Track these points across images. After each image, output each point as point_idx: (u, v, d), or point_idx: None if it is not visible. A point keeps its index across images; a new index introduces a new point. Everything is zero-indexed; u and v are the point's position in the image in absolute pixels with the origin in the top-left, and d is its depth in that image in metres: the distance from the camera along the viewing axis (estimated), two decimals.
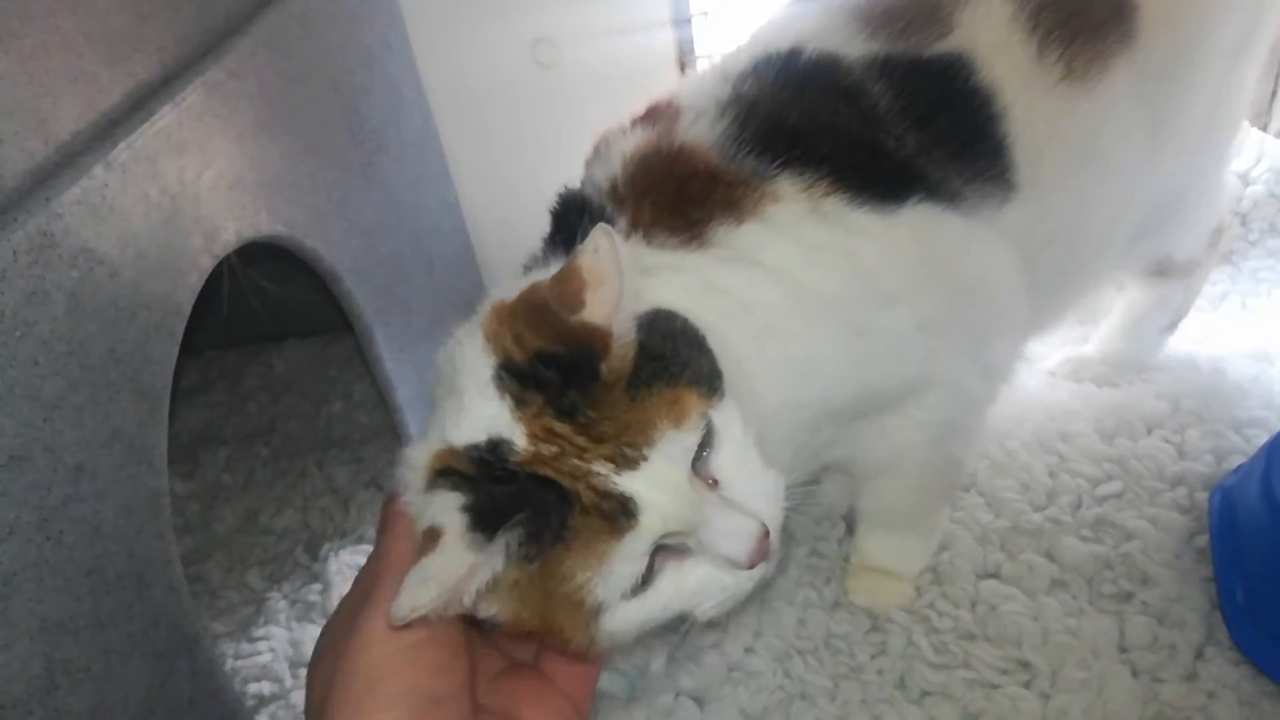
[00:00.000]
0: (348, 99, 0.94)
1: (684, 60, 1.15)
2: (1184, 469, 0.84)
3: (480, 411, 0.44)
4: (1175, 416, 0.89)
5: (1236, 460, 0.83)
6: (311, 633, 0.83)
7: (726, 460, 0.46)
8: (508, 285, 0.53)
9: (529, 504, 0.43)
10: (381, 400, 0.98)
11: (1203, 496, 0.81)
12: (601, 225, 0.45)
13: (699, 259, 0.54)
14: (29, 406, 0.49)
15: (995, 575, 0.79)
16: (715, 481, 0.46)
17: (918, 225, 0.59)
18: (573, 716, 0.48)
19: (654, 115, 0.62)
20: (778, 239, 0.56)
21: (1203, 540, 0.78)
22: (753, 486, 0.47)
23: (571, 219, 0.56)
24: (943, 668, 0.73)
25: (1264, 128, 1.16)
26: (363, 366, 1.07)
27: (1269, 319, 1.00)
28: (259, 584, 0.89)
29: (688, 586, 0.46)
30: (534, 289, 0.47)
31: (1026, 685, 0.71)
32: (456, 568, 0.41)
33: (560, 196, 0.60)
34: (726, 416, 0.47)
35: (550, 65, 1.13)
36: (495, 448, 0.43)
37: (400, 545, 0.44)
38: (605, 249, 0.44)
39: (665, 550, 0.45)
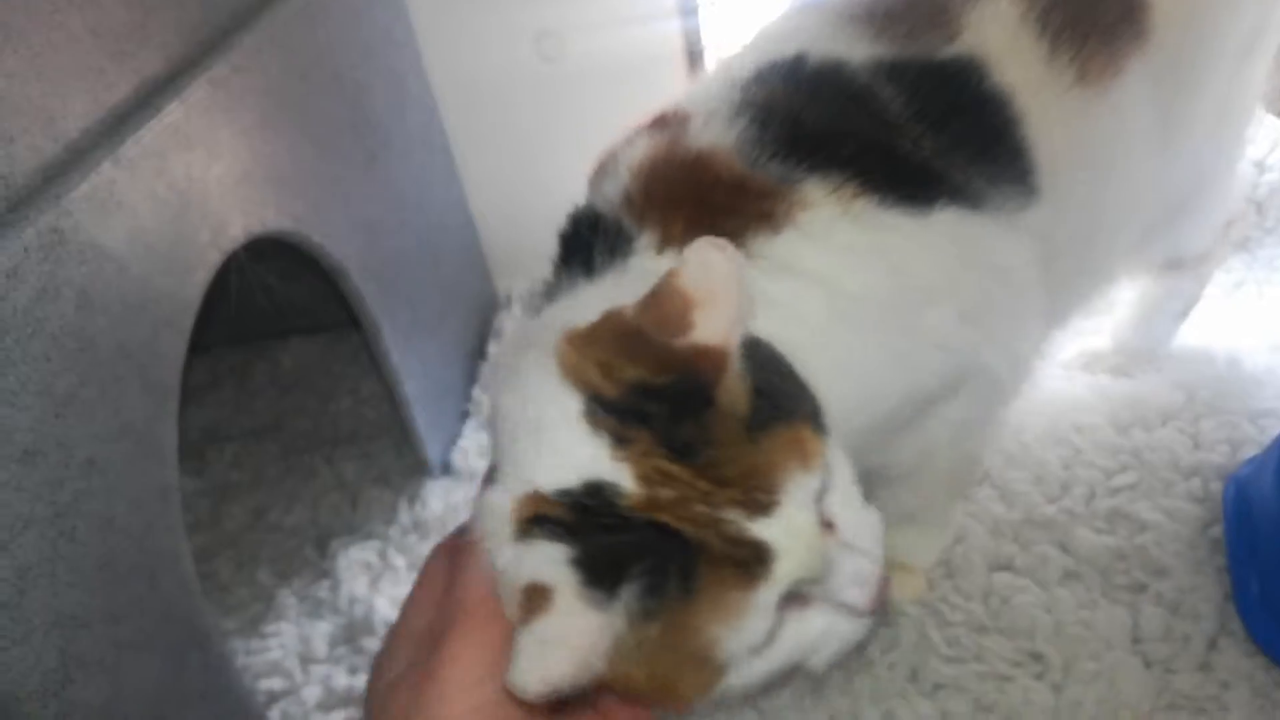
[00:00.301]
0: (352, 93, 0.93)
1: (691, 52, 1.14)
2: (1199, 460, 0.83)
3: (570, 452, 0.40)
4: (1190, 407, 0.88)
5: (1251, 450, 0.82)
6: (321, 629, 0.83)
7: (839, 501, 0.44)
8: (529, 322, 0.51)
9: (648, 554, 0.39)
10: (389, 396, 0.98)
11: (1217, 487, 0.81)
12: (710, 238, 0.42)
13: (751, 265, 0.51)
14: (41, 402, 0.49)
15: (1008, 567, 0.78)
16: (830, 524, 0.43)
17: (948, 225, 0.58)
18: None
19: (659, 124, 0.60)
20: (814, 246, 0.53)
21: (1217, 531, 0.78)
22: (863, 528, 0.44)
23: (585, 238, 0.54)
24: (955, 660, 0.73)
25: (1279, 114, 1.15)
26: (370, 362, 1.07)
27: None
28: (269, 581, 0.89)
29: (809, 637, 0.43)
30: (614, 316, 0.43)
31: (1039, 677, 0.70)
32: (584, 629, 0.37)
33: (570, 217, 0.57)
34: (835, 454, 0.44)
35: (556, 58, 1.13)
36: (596, 492, 0.39)
37: (478, 588, 0.40)
38: (717, 262, 0.41)
39: (785, 600, 0.42)
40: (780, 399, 0.42)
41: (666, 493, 0.39)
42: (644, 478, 0.39)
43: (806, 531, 0.40)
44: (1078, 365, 0.96)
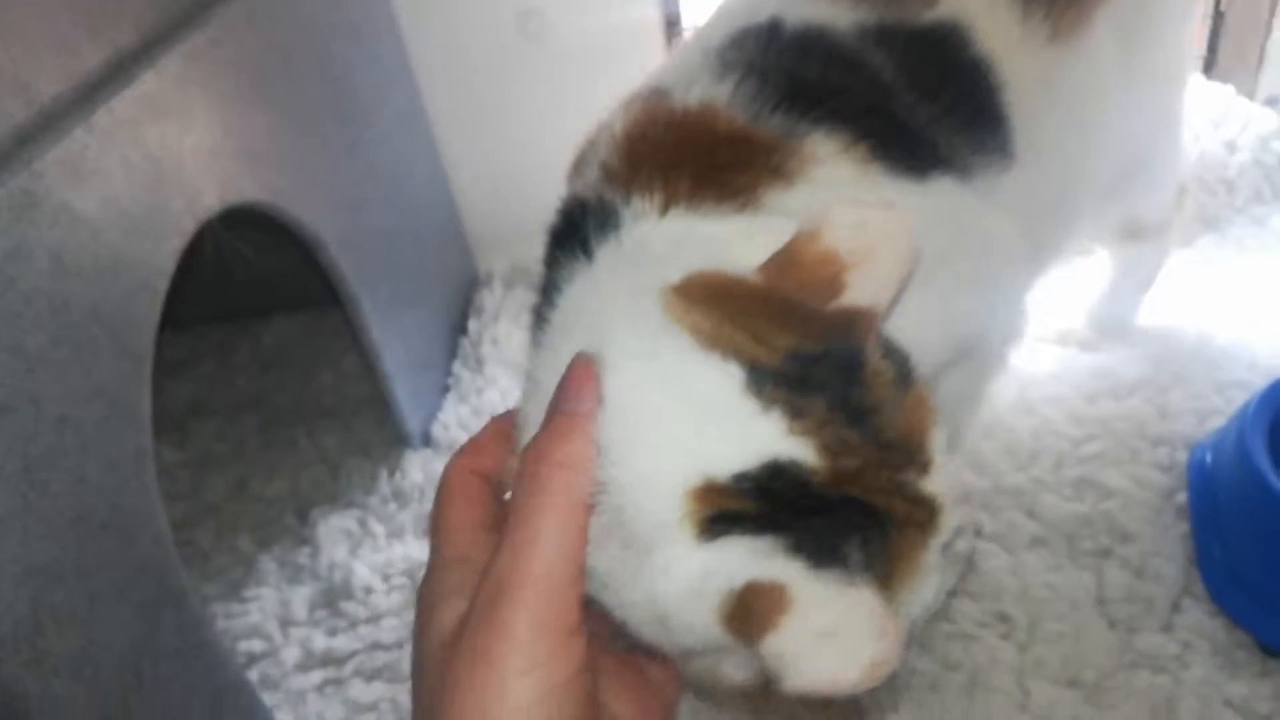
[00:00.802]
0: (332, 71, 0.94)
1: (670, 31, 1.15)
2: (1165, 429, 0.85)
3: (742, 431, 0.37)
4: (1158, 379, 0.90)
5: (1218, 421, 0.83)
6: (301, 594, 0.84)
7: None
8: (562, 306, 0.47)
9: (855, 530, 0.37)
10: (370, 371, 0.99)
11: (1184, 456, 0.82)
12: (863, 198, 0.40)
13: (762, 221, 0.48)
14: (12, 359, 0.50)
15: (977, 534, 0.79)
16: None
17: (944, 194, 0.58)
18: (663, 711, 0.44)
19: (633, 101, 0.57)
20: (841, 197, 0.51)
21: (1182, 497, 0.79)
22: None
23: (577, 223, 0.51)
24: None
25: (1250, 96, 1.16)
26: (352, 339, 1.08)
27: (1254, 286, 1.00)
28: (249, 548, 0.90)
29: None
30: (736, 282, 0.39)
31: (1005, 637, 0.72)
32: (858, 605, 0.34)
33: (559, 211, 0.54)
34: None
35: (537, 37, 1.14)
36: (780, 473, 0.36)
37: (539, 561, 0.36)
38: (880, 221, 0.39)
39: None
40: (898, 356, 0.41)
41: (849, 462, 0.37)
42: (826, 449, 0.36)
43: (954, 483, 0.40)
44: (1048, 339, 0.97)
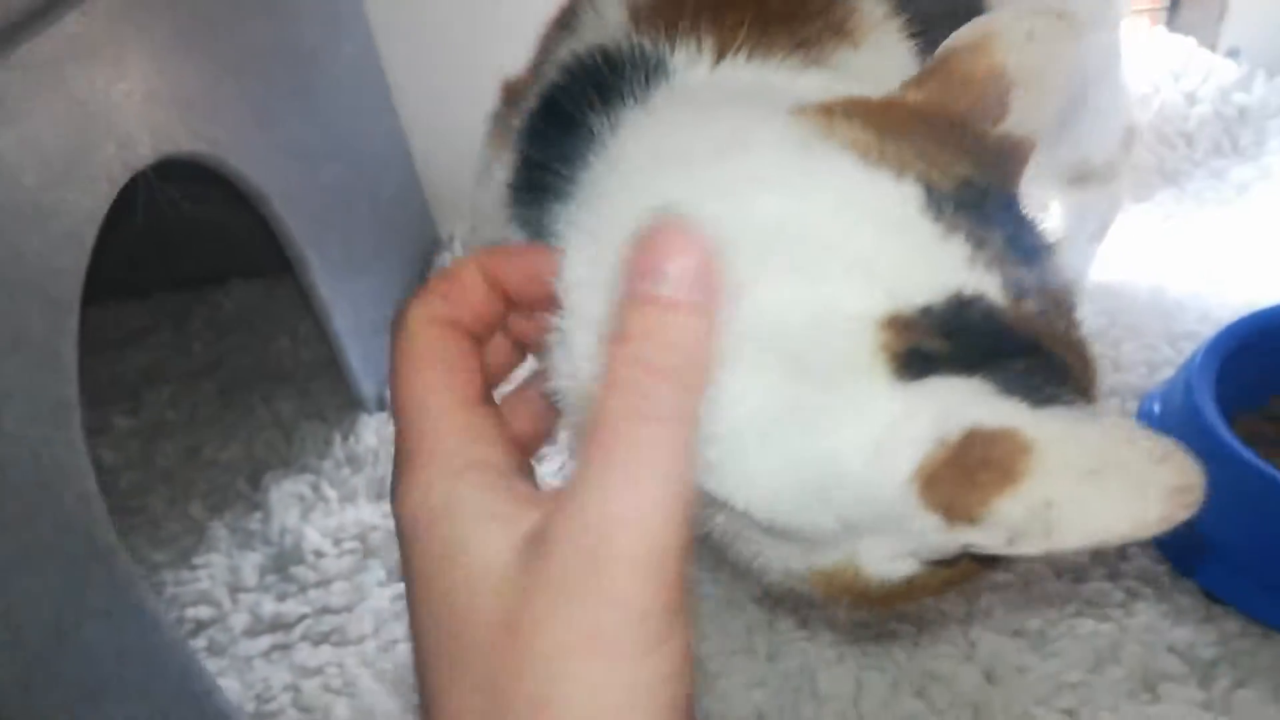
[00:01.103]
0: (278, 19, 0.91)
1: None
2: (1117, 381, 0.85)
3: (928, 258, 0.32)
4: (1111, 331, 0.90)
5: (1169, 372, 0.83)
6: (251, 559, 0.83)
7: None
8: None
9: (1054, 375, 0.32)
10: (326, 336, 0.97)
11: (1133, 406, 0.82)
12: (1030, 12, 0.35)
13: (835, 81, 0.42)
14: None
15: None
16: None
17: None
18: (524, 460, 0.36)
19: None
20: (897, 66, 0.45)
21: None
22: None
23: (602, 75, 0.41)
24: None
25: (1212, 47, 1.16)
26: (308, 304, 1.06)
27: (1211, 240, 1.00)
28: (200, 514, 0.88)
29: None
30: (888, 103, 0.34)
31: None
32: (1126, 437, 0.29)
33: (568, 67, 0.43)
34: None
35: None
36: (968, 308, 0.31)
37: (650, 513, 0.26)
38: (1047, 32, 0.34)
39: None
40: None
41: (1033, 304, 0.32)
42: (1009, 287, 0.32)
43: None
44: None
